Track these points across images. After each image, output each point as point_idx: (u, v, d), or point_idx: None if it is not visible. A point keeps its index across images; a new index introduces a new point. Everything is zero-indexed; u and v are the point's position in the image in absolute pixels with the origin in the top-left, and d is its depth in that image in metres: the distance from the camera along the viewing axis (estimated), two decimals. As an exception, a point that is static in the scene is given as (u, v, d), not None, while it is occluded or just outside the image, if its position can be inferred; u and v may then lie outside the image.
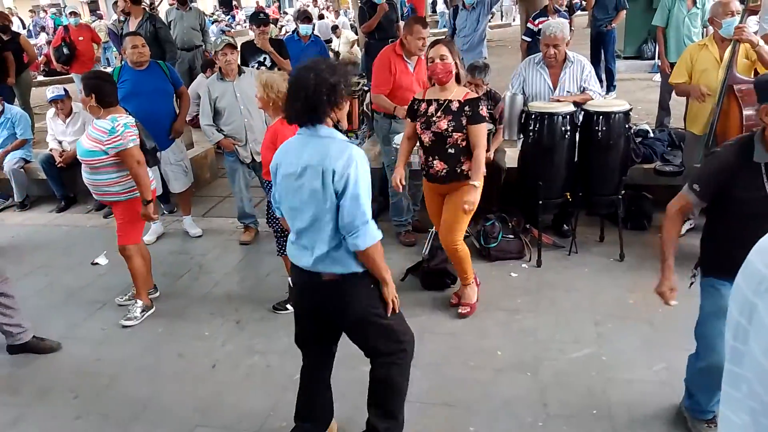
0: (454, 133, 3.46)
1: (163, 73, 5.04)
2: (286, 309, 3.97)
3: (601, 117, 4.15)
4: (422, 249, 4.45)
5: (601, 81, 8.54)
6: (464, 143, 3.49)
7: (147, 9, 7.36)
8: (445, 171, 3.55)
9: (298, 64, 2.39)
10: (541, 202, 4.30)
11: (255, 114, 4.82)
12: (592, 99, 4.32)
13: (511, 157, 4.96)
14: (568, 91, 4.40)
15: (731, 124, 3.92)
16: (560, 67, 4.39)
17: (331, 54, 12.04)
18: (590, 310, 3.75)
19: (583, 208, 4.62)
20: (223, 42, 4.87)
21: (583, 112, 4.28)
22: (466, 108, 3.44)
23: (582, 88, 4.37)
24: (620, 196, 4.32)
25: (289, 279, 3.95)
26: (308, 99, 2.21)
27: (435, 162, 3.56)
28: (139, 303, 4.03)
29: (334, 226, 2.27)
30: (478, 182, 3.40)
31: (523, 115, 4.29)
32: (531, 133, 4.24)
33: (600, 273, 4.20)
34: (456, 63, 3.46)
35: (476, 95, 3.58)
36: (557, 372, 3.22)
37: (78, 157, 3.84)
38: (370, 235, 2.26)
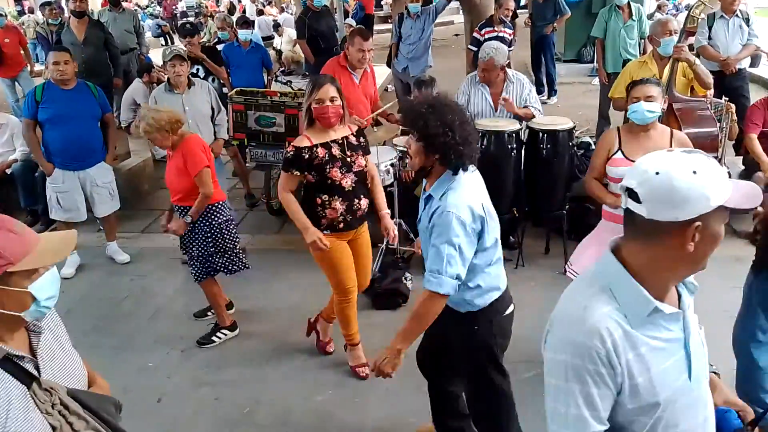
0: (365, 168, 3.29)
1: (92, 96, 4.68)
2: (207, 315, 4.06)
3: (545, 135, 4.24)
4: (373, 266, 4.40)
5: (542, 86, 8.75)
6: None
7: (90, 15, 7.05)
8: (365, 207, 3.29)
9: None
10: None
11: (204, 128, 4.70)
12: (534, 116, 4.40)
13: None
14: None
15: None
16: (501, 87, 4.44)
17: (272, 53, 11.82)
18: (539, 329, 3.73)
19: (529, 221, 4.69)
20: (171, 53, 4.69)
21: (528, 130, 4.34)
22: (361, 139, 3.28)
23: (524, 107, 4.43)
24: (565, 212, 4.41)
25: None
26: None
27: (361, 202, 3.24)
28: None
29: None
30: (388, 209, 3.38)
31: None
32: (478, 151, 4.28)
33: (547, 288, 4.26)
34: (342, 101, 3.14)
35: (358, 124, 3.55)
36: (509, 394, 3.24)
37: None
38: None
